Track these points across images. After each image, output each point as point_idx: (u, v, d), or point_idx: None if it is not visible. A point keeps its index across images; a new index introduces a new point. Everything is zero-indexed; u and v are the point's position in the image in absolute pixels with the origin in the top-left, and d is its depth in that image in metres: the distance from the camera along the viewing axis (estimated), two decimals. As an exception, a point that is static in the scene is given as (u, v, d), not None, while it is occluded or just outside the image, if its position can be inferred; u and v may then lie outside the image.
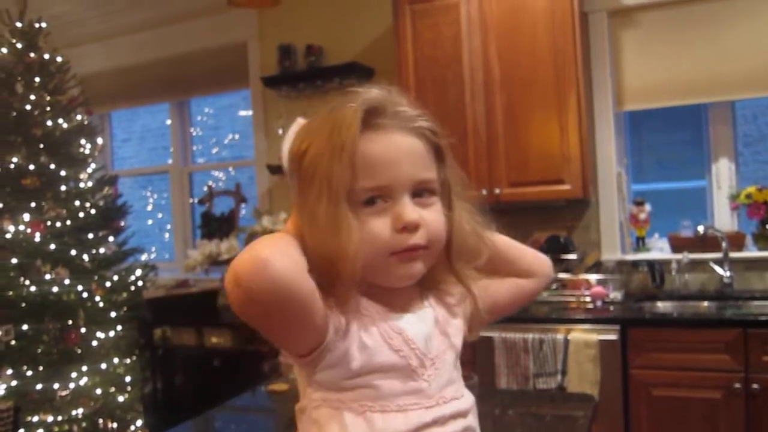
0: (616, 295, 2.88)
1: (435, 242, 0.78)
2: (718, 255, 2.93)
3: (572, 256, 3.01)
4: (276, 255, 0.66)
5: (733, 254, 2.92)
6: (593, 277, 2.94)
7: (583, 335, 2.56)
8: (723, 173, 3.13)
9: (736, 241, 2.96)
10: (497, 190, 2.96)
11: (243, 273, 0.65)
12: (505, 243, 0.95)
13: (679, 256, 3.00)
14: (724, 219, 3.11)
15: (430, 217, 0.78)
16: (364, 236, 0.73)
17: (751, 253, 2.96)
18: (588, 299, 2.84)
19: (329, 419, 0.75)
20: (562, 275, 2.98)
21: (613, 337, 2.53)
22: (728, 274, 2.90)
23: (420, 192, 0.78)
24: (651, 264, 3.01)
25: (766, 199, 2.89)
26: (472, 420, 0.84)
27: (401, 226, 0.74)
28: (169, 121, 4.55)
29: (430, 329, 0.82)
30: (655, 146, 3.57)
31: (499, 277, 0.94)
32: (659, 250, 3.18)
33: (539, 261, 0.99)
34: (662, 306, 2.92)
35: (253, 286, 0.65)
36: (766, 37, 2.94)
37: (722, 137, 3.14)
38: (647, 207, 3.13)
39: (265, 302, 0.66)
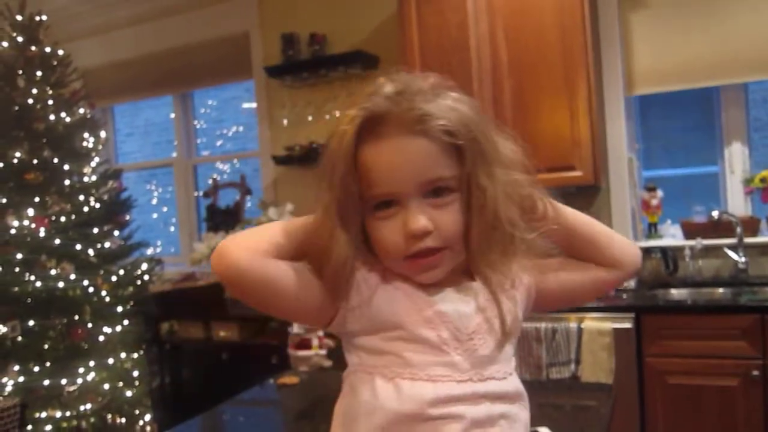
0: (629, 282, 2.84)
1: (452, 241, 0.77)
2: (732, 240, 2.88)
3: (583, 244, 2.96)
4: (233, 246, 0.73)
5: (748, 239, 2.87)
6: (605, 265, 2.89)
7: (597, 324, 2.52)
8: (736, 157, 3.07)
9: (751, 225, 2.91)
10: (506, 178, 2.91)
11: (212, 263, 0.74)
12: (582, 220, 0.90)
13: (692, 242, 2.95)
14: (737, 204, 3.05)
15: (444, 218, 0.76)
16: (377, 240, 0.77)
17: (766, 237, 2.90)
18: (600, 287, 2.80)
19: (362, 383, 0.78)
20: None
21: (627, 325, 2.49)
22: (743, 259, 2.85)
23: (435, 191, 0.76)
24: (664, 250, 2.97)
25: (781, 182, 2.85)
26: (517, 409, 0.80)
27: (408, 236, 0.75)
28: (172, 114, 4.51)
29: (470, 305, 0.80)
30: (664, 132, 3.51)
31: (578, 262, 0.89)
32: (672, 236, 3.12)
33: (627, 250, 0.90)
34: (676, 293, 2.88)
35: (218, 274, 0.73)
36: (779, 16, 2.88)
37: (735, 120, 3.08)
38: (659, 193, 3.08)
39: (232, 285, 0.73)
